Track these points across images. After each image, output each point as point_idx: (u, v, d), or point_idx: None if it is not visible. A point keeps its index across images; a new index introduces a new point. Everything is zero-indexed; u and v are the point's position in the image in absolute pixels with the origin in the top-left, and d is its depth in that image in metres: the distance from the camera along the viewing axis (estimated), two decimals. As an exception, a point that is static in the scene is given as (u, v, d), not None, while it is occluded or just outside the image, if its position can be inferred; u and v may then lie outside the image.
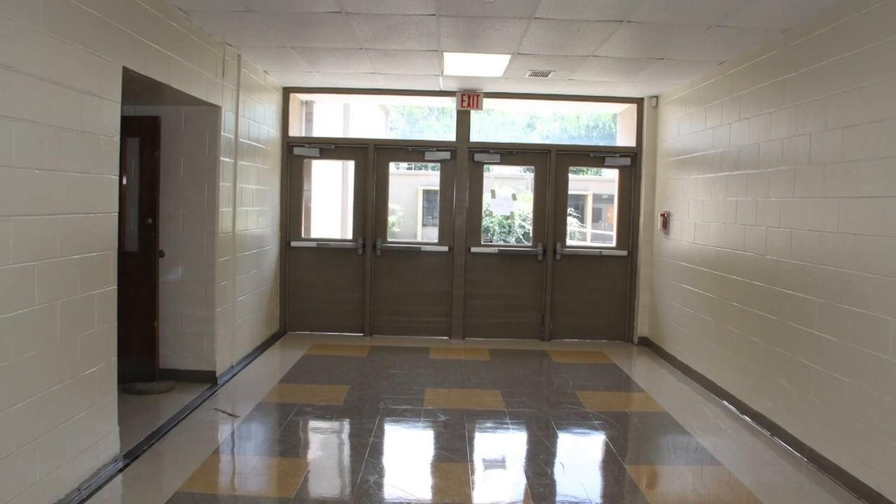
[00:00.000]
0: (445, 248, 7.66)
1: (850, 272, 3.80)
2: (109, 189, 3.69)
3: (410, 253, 7.75)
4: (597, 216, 16.85)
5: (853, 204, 3.80)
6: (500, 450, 4.41)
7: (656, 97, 7.27)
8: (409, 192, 15.61)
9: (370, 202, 7.63)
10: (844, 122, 3.89)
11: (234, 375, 5.77)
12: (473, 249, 7.65)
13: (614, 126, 8.82)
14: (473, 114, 7.59)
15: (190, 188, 5.35)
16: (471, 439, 4.44)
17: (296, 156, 7.59)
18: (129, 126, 4.86)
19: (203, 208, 5.36)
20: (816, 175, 4.17)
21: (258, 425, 4.68)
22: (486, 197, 8.12)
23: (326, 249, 7.70)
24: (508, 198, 10.33)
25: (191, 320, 5.43)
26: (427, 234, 15.25)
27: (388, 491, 3.62)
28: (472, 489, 3.67)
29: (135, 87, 4.31)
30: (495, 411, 5.01)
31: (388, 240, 7.81)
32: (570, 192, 7.78)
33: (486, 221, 9.84)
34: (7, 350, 2.88)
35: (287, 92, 7.41)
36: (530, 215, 8.06)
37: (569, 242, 7.85)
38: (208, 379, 5.44)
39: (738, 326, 5.18)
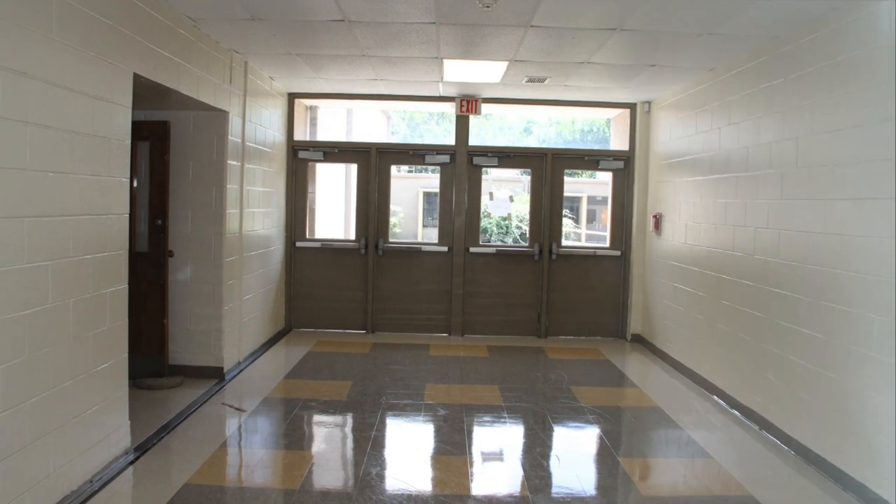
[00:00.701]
0: (445, 249, 7.79)
1: (836, 271, 3.88)
2: (120, 191, 3.76)
3: (411, 253, 7.88)
4: (591, 217, 17.00)
5: (839, 205, 3.88)
6: (498, 443, 4.51)
7: (649, 102, 7.38)
8: (410, 194, 15.72)
9: (372, 204, 7.76)
10: (830, 126, 3.98)
11: (240, 371, 5.88)
12: (472, 249, 7.77)
13: (608, 130, 8.96)
14: (472, 118, 7.71)
15: (198, 190, 5.46)
16: (469, 433, 4.54)
17: (300, 159, 7.72)
18: (140, 130, 4.97)
19: (211, 210, 5.47)
20: (803, 178, 4.26)
21: (264, 419, 4.79)
22: (485, 199, 8.24)
23: (330, 249, 7.83)
24: (506, 199, 10.47)
25: (199, 318, 5.54)
26: (427, 235, 15.35)
27: (390, 483, 3.72)
28: (471, 481, 3.76)
29: (145, 92, 4.39)
30: (493, 406, 5.12)
31: (390, 240, 7.94)
32: (565, 194, 7.92)
33: (484, 222, 9.97)
34: (22, 346, 2.93)
35: (292, 97, 7.54)
36: (527, 216, 8.18)
37: (564, 243, 7.97)
38: (216, 375, 5.55)
39: (727, 324, 5.29)
